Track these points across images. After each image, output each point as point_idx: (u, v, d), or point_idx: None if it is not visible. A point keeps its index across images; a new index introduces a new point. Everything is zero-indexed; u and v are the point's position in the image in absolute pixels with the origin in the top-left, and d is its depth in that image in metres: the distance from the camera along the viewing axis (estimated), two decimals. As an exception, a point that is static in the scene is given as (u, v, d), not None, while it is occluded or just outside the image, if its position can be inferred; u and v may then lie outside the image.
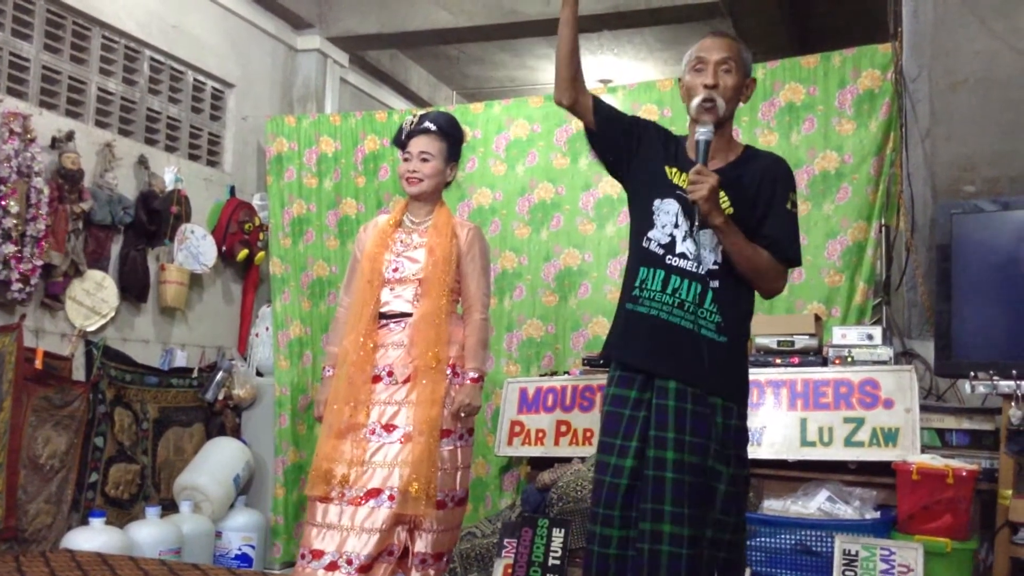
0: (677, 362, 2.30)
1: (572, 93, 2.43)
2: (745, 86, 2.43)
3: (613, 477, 2.30)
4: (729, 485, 2.28)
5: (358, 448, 2.97)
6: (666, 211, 2.38)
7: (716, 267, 2.34)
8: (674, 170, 2.40)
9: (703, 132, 2.31)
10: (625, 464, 2.29)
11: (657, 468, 2.24)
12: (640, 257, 2.40)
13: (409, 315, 3.08)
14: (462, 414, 3.05)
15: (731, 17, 5.60)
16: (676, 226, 2.36)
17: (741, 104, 2.45)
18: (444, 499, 3.00)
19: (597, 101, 2.48)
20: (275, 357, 5.07)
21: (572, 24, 2.41)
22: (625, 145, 2.48)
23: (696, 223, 2.30)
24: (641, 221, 2.43)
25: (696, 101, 2.36)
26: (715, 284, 2.33)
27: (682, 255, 2.34)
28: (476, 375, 3.09)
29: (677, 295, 2.32)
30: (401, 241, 3.17)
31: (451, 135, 3.20)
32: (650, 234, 2.39)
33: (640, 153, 2.47)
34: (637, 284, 2.38)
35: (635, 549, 2.24)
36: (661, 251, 2.36)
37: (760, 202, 2.36)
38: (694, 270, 2.33)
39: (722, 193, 2.31)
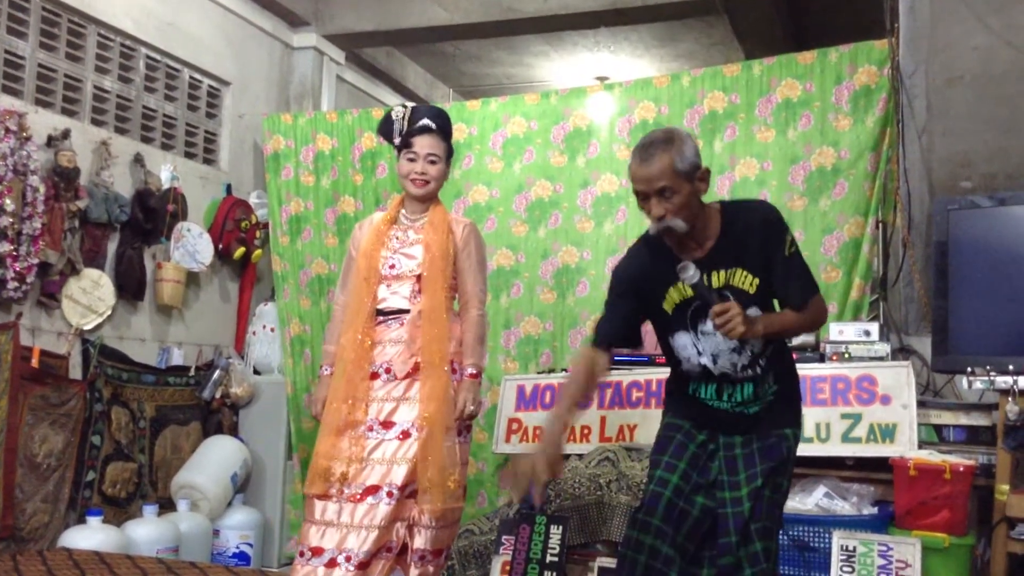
0: (741, 430, 2.40)
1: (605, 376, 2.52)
2: (696, 188, 2.28)
3: (657, 486, 2.37)
4: (773, 492, 2.36)
5: (356, 445, 2.96)
6: (683, 345, 2.39)
7: (761, 349, 2.36)
8: (670, 292, 2.37)
9: (690, 277, 2.25)
10: (671, 479, 2.37)
11: (735, 506, 2.32)
12: (686, 376, 2.44)
13: (406, 312, 3.08)
14: (469, 407, 3.04)
15: (727, 14, 5.60)
16: (700, 354, 2.37)
17: (701, 196, 2.32)
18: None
19: (609, 344, 2.46)
20: (283, 354, 5.10)
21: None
22: (638, 319, 2.47)
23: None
24: (669, 355, 2.47)
25: (654, 231, 2.33)
26: (767, 358, 2.36)
27: (723, 374, 2.37)
28: (474, 371, 3.09)
29: (734, 398, 2.38)
30: (397, 238, 3.16)
31: (450, 134, 3.20)
32: (683, 367, 2.43)
33: (643, 308, 2.44)
34: (691, 392, 2.43)
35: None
36: (701, 371, 2.39)
37: (767, 259, 2.32)
38: (742, 375, 2.36)
39: (737, 272, 2.31)
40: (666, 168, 2.23)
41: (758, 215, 2.36)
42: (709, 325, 2.30)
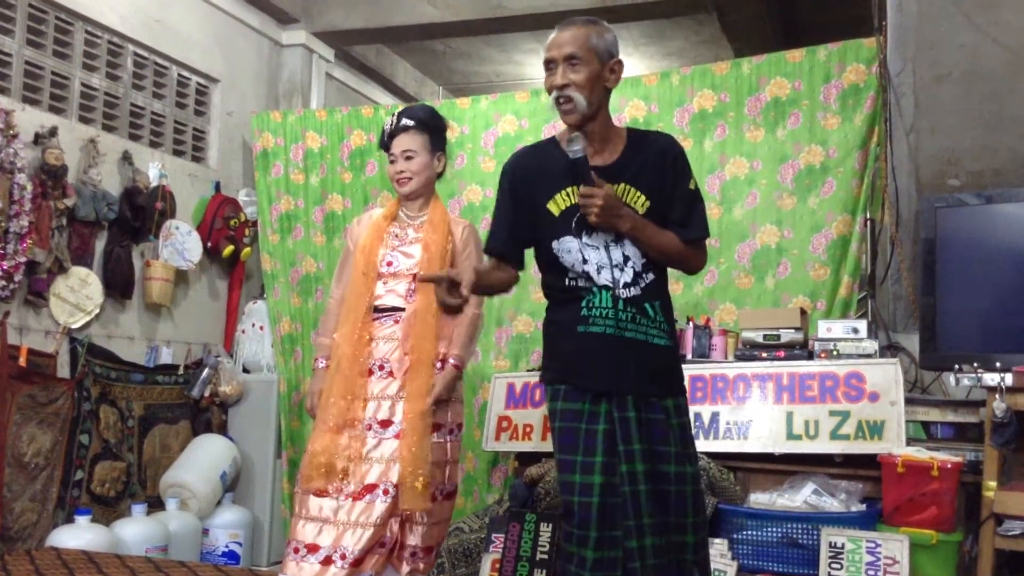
0: (633, 378, 2.29)
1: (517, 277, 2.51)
2: (608, 69, 2.29)
3: (582, 496, 2.21)
4: (692, 485, 2.30)
5: (356, 442, 2.96)
6: (567, 250, 2.32)
7: (644, 266, 2.32)
8: (561, 195, 2.32)
9: (573, 151, 2.24)
10: (593, 481, 2.21)
11: (632, 483, 2.22)
12: (573, 294, 2.33)
13: (401, 310, 3.08)
14: (439, 393, 3.02)
15: (716, 11, 5.60)
16: (585, 261, 2.31)
17: (608, 88, 2.31)
18: (434, 492, 3.00)
19: (506, 254, 2.47)
20: (275, 352, 5.10)
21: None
22: (527, 224, 2.40)
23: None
24: (551, 268, 2.39)
25: (552, 100, 2.30)
26: (649, 280, 2.32)
27: (605, 286, 2.30)
28: (456, 363, 3.08)
29: (629, 309, 2.30)
30: (395, 235, 3.17)
31: (430, 125, 3.19)
32: (569, 276, 2.34)
33: (529, 212, 2.38)
34: (584, 306, 2.31)
35: (627, 569, 2.21)
36: (588, 284, 2.31)
37: (667, 186, 2.32)
38: (624, 292, 2.30)
39: (632, 190, 2.28)
40: (580, 36, 2.26)
41: (664, 142, 2.39)
42: (595, 238, 2.28)
